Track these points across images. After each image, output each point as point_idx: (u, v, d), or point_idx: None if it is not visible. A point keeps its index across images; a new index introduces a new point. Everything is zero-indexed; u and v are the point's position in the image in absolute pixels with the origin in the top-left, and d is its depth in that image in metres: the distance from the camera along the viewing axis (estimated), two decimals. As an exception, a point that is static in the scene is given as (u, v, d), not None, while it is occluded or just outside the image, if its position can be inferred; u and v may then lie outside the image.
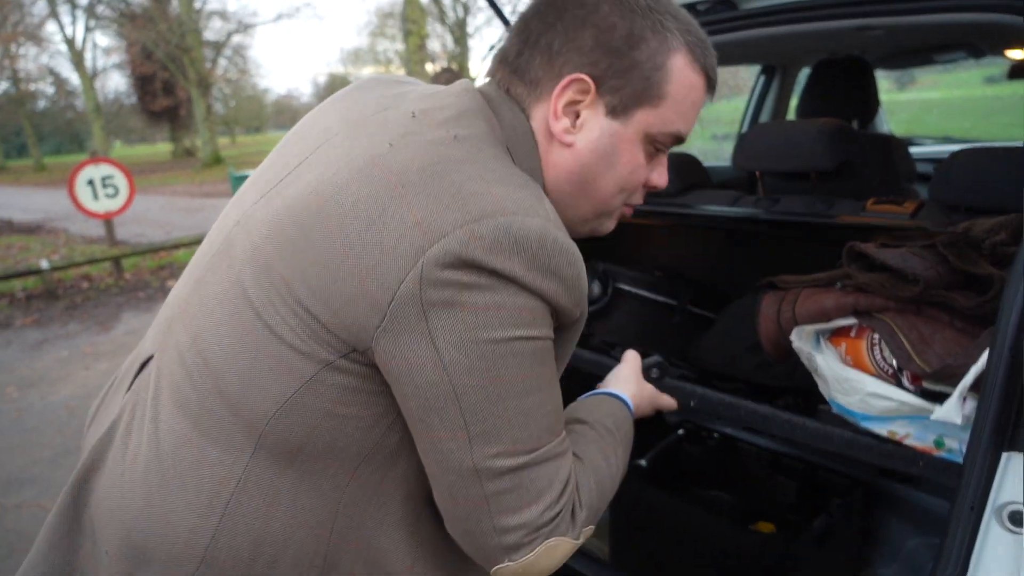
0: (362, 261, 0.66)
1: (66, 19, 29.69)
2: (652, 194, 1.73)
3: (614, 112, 0.76)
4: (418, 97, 0.80)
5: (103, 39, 34.37)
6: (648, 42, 0.75)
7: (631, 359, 1.05)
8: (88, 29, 30.00)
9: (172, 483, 0.73)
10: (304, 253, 0.69)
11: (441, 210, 0.65)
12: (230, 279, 0.75)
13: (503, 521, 0.68)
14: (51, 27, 31.72)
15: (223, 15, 29.60)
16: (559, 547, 0.71)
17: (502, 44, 0.82)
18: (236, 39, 31.22)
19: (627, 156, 0.79)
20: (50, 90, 42.60)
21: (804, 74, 2.81)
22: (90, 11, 28.66)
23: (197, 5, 26.89)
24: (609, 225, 0.87)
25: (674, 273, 1.75)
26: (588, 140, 0.77)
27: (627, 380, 1.00)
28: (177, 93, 31.73)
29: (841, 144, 1.46)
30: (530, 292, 0.67)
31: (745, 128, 2.95)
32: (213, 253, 0.81)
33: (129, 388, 0.84)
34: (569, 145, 0.77)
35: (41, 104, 43.64)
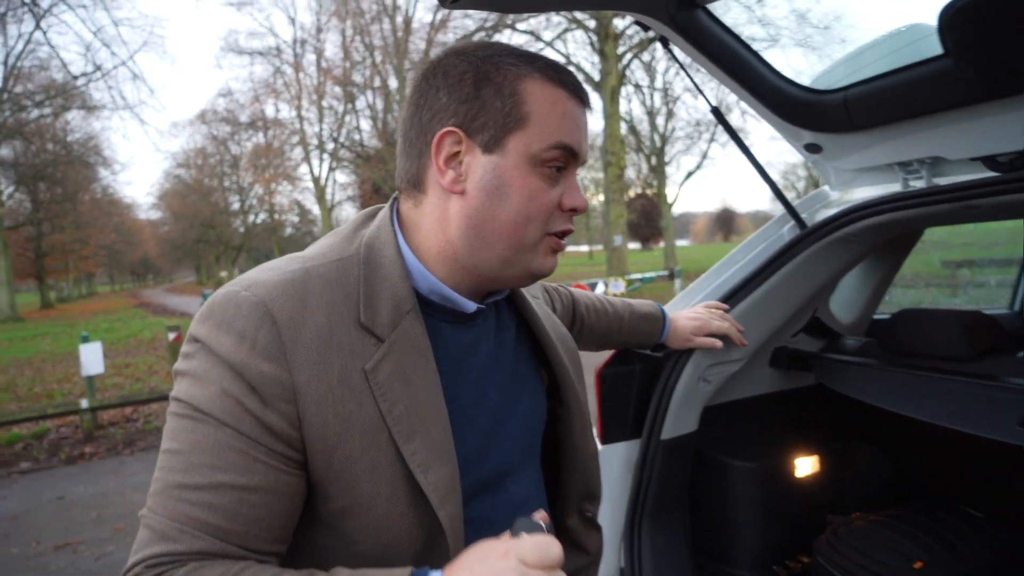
0: None
1: (315, 162, 34.96)
2: (941, 359, 1.56)
3: (488, 148, 0.80)
4: None
5: (341, 176, 39.96)
6: (492, 79, 0.80)
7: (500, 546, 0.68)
8: (331, 169, 34.98)
9: None
10: None
11: None
12: None
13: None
14: (303, 169, 37.57)
15: (440, 154, 33.00)
16: None
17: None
18: (450, 173, 34.60)
19: (518, 184, 0.81)
20: (296, 219, 49.94)
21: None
22: (334, 155, 33.63)
23: (420, 146, 30.44)
24: (543, 262, 0.86)
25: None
26: (475, 181, 0.81)
27: (467, 564, 0.67)
28: (397, 221, 35.54)
29: None
30: (208, 353, 0.72)
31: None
32: None
33: None
34: (462, 192, 0.81)
35: (288, 231, 51.11)
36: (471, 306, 0.86)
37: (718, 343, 1.54)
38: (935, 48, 1.30)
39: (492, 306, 0.93)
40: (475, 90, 0.80)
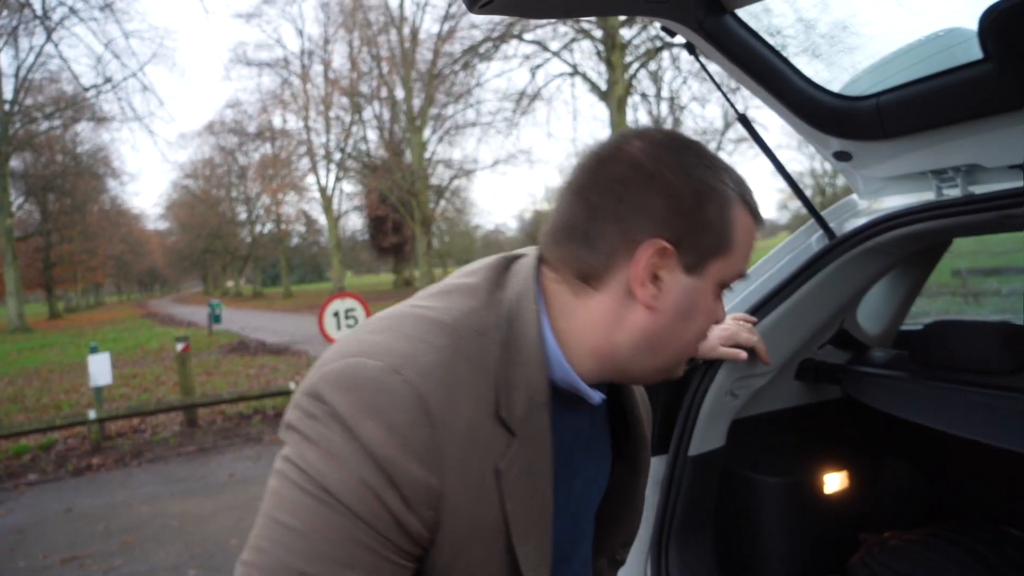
0: None
1: (322, 172, 35.10)
2: (977, 372, 1.51)
3: (690, 269, 0.77)
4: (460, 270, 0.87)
5: (348, 186, 40.15)
6: (712, 198, 0.76)
7: None
8: (338, 179, 35.11)
9: None
10: None
11: (333, 353, 0.73)
12: None
13: None
14: (310, 179, 37.74)
15: (448, 163, 33.15)
16: None
17: (557, 215, 0.81)
18: (456, 183, 34.77)
19: (704, 306, 0.79)
20: (302, 229, 50.15)
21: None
22: (341, 165, 33.76)
23: (427, 156, 30.58)
24: (681, 370, 0.86)
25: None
26: (670, 301, 0.77)
27: None
28: (404, 231, 35.68)
29: None
30: (348, 434, 0.66)
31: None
32: None
33: None
34: (652, 308, 0.77)
35: (294, 241, 51.34)
36: (597, 397, 0.81)
37: (743, 354, 1.50)
38: (973, 53, 1.27)
39: None
40: (697, 207, 0.75)
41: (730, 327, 1.51)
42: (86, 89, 26.66)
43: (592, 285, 0.77)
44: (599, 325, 0.77)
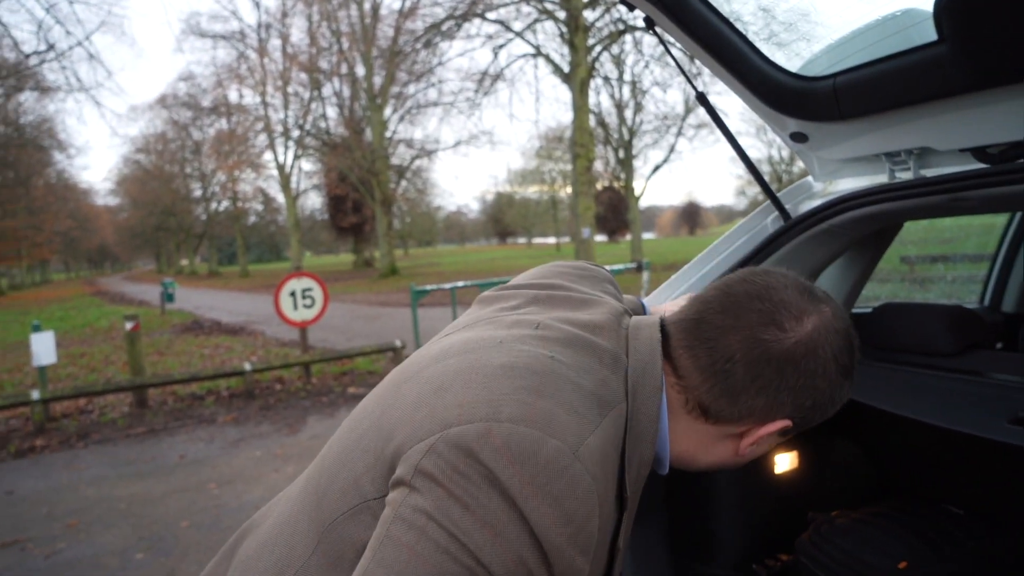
0: (414, 416, 0.72)
1: (280, 149, 34.29)
2: (924, 353, 1.54)
3: (785, 434, 0.85)
4: (562, 314, 0.87)
5: (307, 164, 39.30)
6: (840, 401, 0.84)
7: None
8: (296, 157, 34.34)
9: (266, 547, 0.85)
10: (399, 402, 0.77)
11: (483, 402, 0.69)
12: (365, 408, 0.86)
13: None
14: (267, 156, 36.80)
15: (409, 143, 32.71)
16: None
17: (709, 338, 0.81)
18: (418, 163, 34.37)
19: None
20: (259, 208, 49.11)
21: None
22: (300, 142, 33.04)
23: (388, 135, 30.10)
24: None
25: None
26: (757, 452, 0.86)
27: None
28: (364, 211, 35.20)
29: None
30: (514, 510, 0.64)
31: (997, 267, 2.60)
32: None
33: None
34: (742, 456, 0.86)
35: (251, 219, 50.21)
36: (667, 471, 0.89)
37: None
38: (928, 34, 1.26)
39: None
40: (829, 405, 0.83)
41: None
42: (27, 56, 25.45)
43: (707, 419, 0.82)
44: (693, 442, 0.84)
